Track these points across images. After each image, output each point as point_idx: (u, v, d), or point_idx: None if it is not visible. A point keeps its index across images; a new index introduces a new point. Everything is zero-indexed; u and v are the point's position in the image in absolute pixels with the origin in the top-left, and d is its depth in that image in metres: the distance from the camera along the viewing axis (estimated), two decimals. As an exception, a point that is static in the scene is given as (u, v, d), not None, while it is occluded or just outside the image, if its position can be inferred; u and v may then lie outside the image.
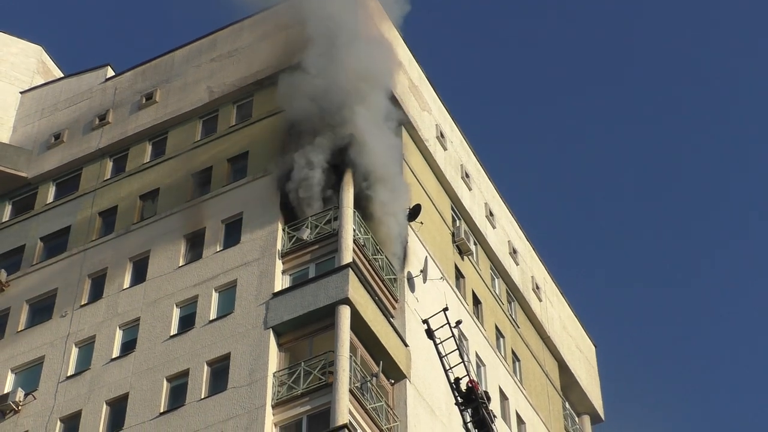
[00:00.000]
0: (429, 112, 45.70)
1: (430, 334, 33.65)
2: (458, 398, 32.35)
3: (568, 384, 50.28)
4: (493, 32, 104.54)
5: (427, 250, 41.13)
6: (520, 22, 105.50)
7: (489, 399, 32.69)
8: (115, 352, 38.27)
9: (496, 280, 47.35)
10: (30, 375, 39.16)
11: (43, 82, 50.09)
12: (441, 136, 45.86)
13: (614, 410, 62.68)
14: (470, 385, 32.45)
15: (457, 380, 32.58)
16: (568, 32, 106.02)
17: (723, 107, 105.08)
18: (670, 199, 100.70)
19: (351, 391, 33.44)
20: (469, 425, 32.33)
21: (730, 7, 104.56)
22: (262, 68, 43.37)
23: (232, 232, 39.44)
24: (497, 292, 46.91)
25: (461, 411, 32.41)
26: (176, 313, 38.23)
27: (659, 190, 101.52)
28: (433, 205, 43.41)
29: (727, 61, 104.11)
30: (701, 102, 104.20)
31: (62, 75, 51.01)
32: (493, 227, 48.13)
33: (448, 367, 33.22)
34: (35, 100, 48.97)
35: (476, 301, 44.54)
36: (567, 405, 49.97)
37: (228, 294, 37.66)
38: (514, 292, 48.38)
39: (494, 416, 32.63)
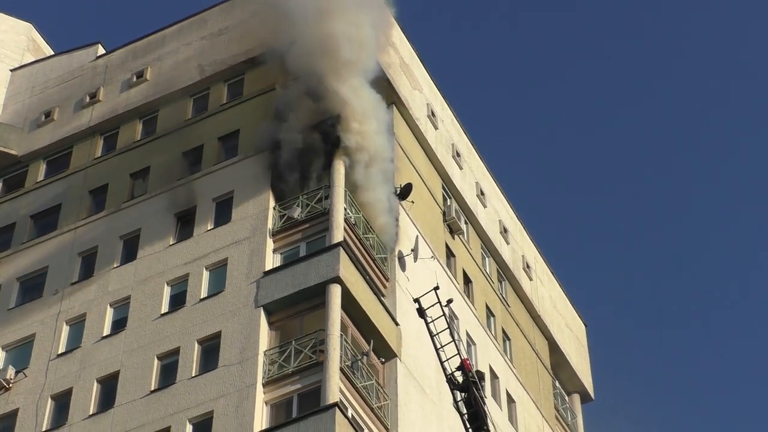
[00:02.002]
0: (420, 90, 45.67)
1: (420, 312, 33.62)
2: (452, 384, 32.32)
3: (558, 363, 50.45)
4: (484, 11, 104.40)
5: (417, 229, 41.19)
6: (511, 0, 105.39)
7: (482, 377, 32.74)
8: (106, 330, 38.31)
9: (486, 259, 47.44)
10: (21, 353, 39.20)
11: (33, 59, 49.99)
12: (432, 115, 45.86)
13: (604, 389, 63.04)
14: (463, 364, 32.50)
15: (452, 376, 32.53)
16: (558, 12, 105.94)
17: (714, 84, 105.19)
18: (664, 179, 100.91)
19: (341, 370, 33.54)
20: (460, 404, 32.44)
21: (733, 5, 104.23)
22: (253, 46, 43.19)
23: (223, 211, 39.45)
24: (488, 271, 47.01)
25: (452, 390, 32.47)
26: (167, 291, 38.27)
27: (653, 170, 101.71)
28: (424, 184, 43.44)
29: (728, 56, 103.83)
30: (693, 83, 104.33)
31: (53, 53, 50.98)
32: (484, 206, 48.20)
33: (438, 346, 33.30)
34: (25, 77, 48.89)
35: (467, 280, 44.63)
36: (557, 384, 50.18)
37: (219, 272, 37.69)
38: (504, 271, 48.48)
39: (485, 396, 32.70)
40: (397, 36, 45.58)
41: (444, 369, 32.90)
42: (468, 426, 32.13)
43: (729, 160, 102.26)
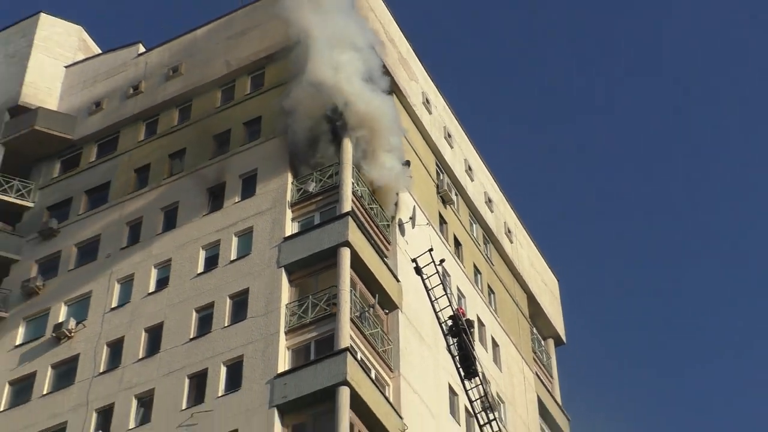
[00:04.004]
0: (416, 81, 45.60)
1: (418, 271, 33.94)
2: (445, 331, 32.67)
3: (535, 312, 50.63)
4: (472, 12, 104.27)
5: (415, 200, 41.27)
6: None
7: (471, 325, 33.03)
8: (151, 288, 38.58)
9: (474, 225, 47.58)
10: (80, 307, 39.46)
11: (83, 57, 49.75)
12: (426, 102, 45.86)
13: (574, 334, 63.43)
14: (456, 312, 32.88)
15: (445, 324, 32.73)
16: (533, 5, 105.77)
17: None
18: (628, 157, 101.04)
19: (351, 320, 33.76)
20: (452, 348, 32.84)
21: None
22: (272, 44, 43.16)
23: (249, 186, 39.55)
24: (475, 236, 47.16)
25: (445, 336, 32.85)
26: (202, 254, 38.47)
27: (617, 150, 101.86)
28: (420, 161, 43.49)
29: (729, 52, 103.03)
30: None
31: (100, 51, 50.69)
32: (471, 180, 48.29)
33: (433, 299, 33.60)
34: (78, 73, 48.77)
35: (457, 243, 44.78)
36: (534, 330, 50.29)
37: (246, 238, 37.87)
38: (489, 236, 48.64)
39: (473, 341, 33.05)
40: (396, 34, 45.61)
41: (438, 318, 33.09)
42: (459, 366, 32.51)
43: (698, 124, 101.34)
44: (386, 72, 41.64)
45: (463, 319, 32.62)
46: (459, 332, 32.52)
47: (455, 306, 34.18)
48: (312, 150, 39.02)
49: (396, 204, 39.75)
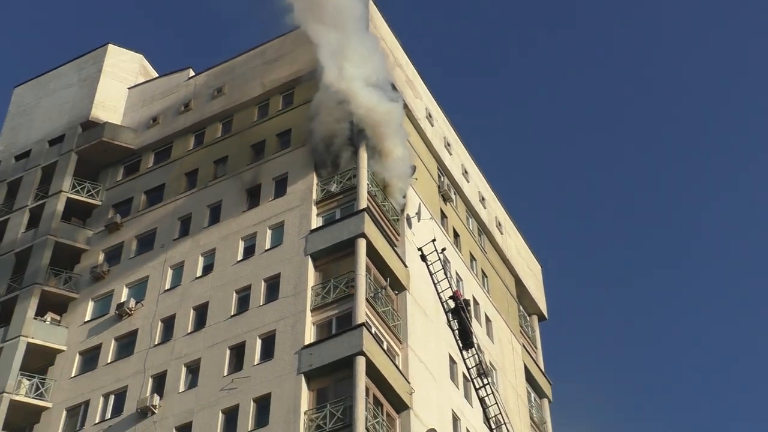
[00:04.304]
0: (420, 99, 45.16)
1: (423, 258, 33.33)
2: (446, 309, 31.89)
3: (521, 293, 49.96)
4: (468, 38, 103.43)
5: (420, 198, 40.83)
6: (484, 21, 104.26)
7: (468, 304, 32.47)
8: (198, 273, 38.09)
9: (470, 219, 47.01)
10: (138, 289, 39.06)
11: (143, 80, 49.57)
12: (429, 117, 45.35)
13: (555, 312, 62.56)
14: (454, 294, 32.17)
15: (446, 303, 32.03)
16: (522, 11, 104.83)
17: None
18: (610, 144, 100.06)
19: (367, 300, 33.37)
20: (452, 323, 32.13)
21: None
22: (300, 69, 42.68)
23: (280, 187, 39.08)
24: (471, 229, 46.60)
25: (446, 313, 32.18)
26: (241, 244, 37.97)
27: (599, 140, 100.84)
28: (424, 166, 43.00)
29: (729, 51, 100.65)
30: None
31: (157, 75, 50.50)
32: (468, 181, 47.74)
33: (436, 282, 33.06)
34: (138, 93, 48.45)
35: (456, 235, 44.24)
36: (521, 308, 49.70)
37: (278, 231, 37.40)
38: (483, 228, 48.02)
39: (470, 318, 32.39)
40: (403, 58, 45.11)
41: (440, 298, 32.65)
42: (458, 339, 31.93)
43: (687, 108, 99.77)
44: (395, 89, 40.97)
45: (461, 299, 31.88)
46: (458, 310, 31.81)
47: (454, 288, 33.47)
48: (331, 154, 38.37)
49: (404, 197, 39.17)
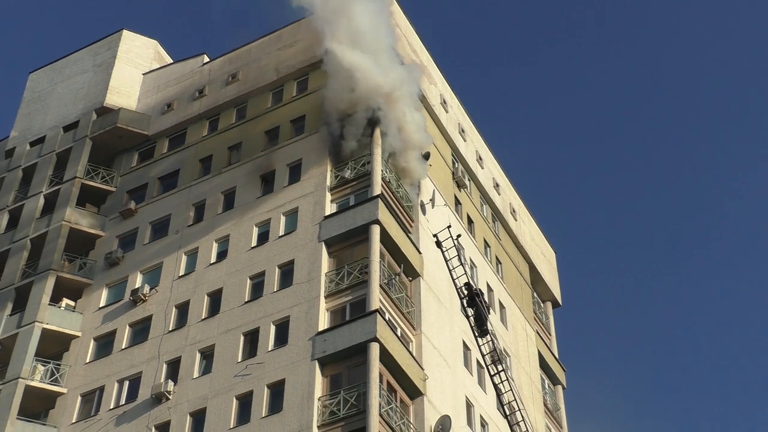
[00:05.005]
0: (435, 86, 44.77)
1: (438, 244, 33.31)
2: (461, 295, 31.70)
3: (535, 279, 49.73)
4: (481, 24, 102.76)
5: (434, 185, 40.53)
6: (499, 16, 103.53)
7: (481, 293, 32.20)
8: (213, 259, 37.94)
9: (484, 206, 46.68)
10: (153, 275, 38.96)
11: (158, 66, 49.33)
12: (444, 103, 44.96)
13: (569, 298, 62.37)
14: (468, 285, 31.88)
15: (461, 289, 31.81)
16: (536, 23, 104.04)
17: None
18: (623, 134, 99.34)
19: (381, 286, 33.15)
20: (468, 309, 31.90)
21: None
22: (314, 55, 42.23)
23: (295, 173, 38.84)
24: (485, 215, 46.26)
25: (461, 299, 31.94)
26: (255, 230, 37.79)
27: (612, 130, 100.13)
28: (439, 152, 42.66)
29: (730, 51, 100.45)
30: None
31: (172, 61, 50.27)
32: (482, 168, 47.37)
33: (451, 268, 32.81)
34: (153, 79, 48.24)
35: (470, 221, 43.95)
36: (535, 295, 49.50)
37: (292, 217, 37.18)
38: (497, 215, 47.72)
39: (489, 306, 32.06)
40: (418, 45, 44.65)
41: (455, 284, 32.46)
42: (473, 325, 31.72)
43: (701, 100, 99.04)
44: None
45: (475, 288, 31.64)
46: (473, 296, 31.54)
47: (470, 274, 33.17)
48: (347, 133, 37.94)
49: (418, 186, 38.77)
